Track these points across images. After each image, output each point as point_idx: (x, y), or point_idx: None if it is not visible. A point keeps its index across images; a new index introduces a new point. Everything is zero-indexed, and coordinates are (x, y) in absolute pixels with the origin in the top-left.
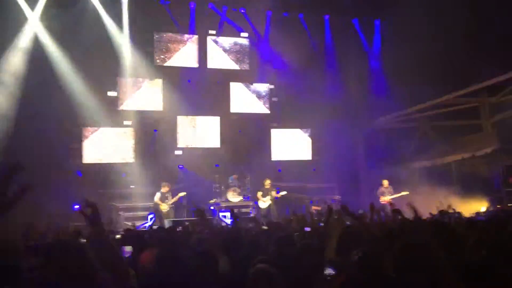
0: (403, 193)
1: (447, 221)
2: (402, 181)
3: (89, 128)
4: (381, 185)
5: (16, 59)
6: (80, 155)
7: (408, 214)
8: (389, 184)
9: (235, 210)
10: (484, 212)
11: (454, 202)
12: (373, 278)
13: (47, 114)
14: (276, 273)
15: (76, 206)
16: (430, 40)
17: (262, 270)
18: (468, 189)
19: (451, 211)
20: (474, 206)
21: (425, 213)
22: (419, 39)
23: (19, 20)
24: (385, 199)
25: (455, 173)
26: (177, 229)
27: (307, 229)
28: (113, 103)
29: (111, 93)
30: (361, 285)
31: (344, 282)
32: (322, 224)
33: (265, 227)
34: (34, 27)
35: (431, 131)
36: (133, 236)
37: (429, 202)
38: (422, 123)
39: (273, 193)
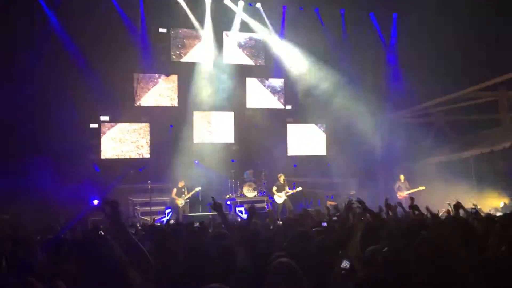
0: (420, 188)
1: (465, 217)
2: (418, 176)
3: (106, 123)
4: (398, 179)
5: (34, 56)
6: (98, 151)
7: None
8: (405, 179)
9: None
10: (502, 208)
11: (472, 197)
12: (394, 276)
13: (65, 110)
14: (297, 266)
15: (95, 201)
16: (447, 34)
17: (283, 263)
18: (487, 184)
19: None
20: (493, 202)
21: (441, 209)
22: (437, 33)
23: (39, 17)
24: (402, 194)
25: (473, 168)
26: (194, 225)
27: (324, 224)
28: (130, 99)
29: (127, 89)
30: (381, 283)
31: (364, 281)
32: (335, 218)
33: (280, 222)
34: (52, 24)
35: (447, 125)
36: (153, 230)
37: (446, 198)
38: (439, 118)
39: (287, 188)
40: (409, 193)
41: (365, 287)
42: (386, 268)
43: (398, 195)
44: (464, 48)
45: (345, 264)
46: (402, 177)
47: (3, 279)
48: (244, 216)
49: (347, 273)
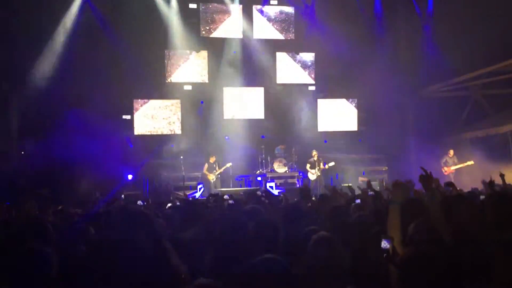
0: (468, 163)
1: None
2: (455, 152)
3: (139, 100)
4: (446, 154)
5: (67, 34)
6: (131, 127)
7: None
8: (454, 154)
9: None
10: None
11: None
12: (433, 249)
13: (98, 87)
14: (337, 241)
15: (130, 176)
16: (486, 3)
17: (324, 237)
18: None
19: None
20: None
21: (478, 185)
22: (475, 2)
23: None
24: (448, 169)
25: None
26: (229, 200)
27: (358, 201)
28: (161, 75)
29: (158, 66)
30: (422, 257)
31: (406, 257)
32: (372, 193)
33: (313, 198)
34: (83, 1)
35: (484, 99)
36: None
37: (483, 173)
38: (475, 92)
39: (321, 164)
40: (456, 168)
41: (411, 264)
42: (429, 244)
43: (443, 170)
44: (503, 18)
45: (385, 244)
46: (451, 151)
47: None
48: (275, 191)
49: (388, 255)
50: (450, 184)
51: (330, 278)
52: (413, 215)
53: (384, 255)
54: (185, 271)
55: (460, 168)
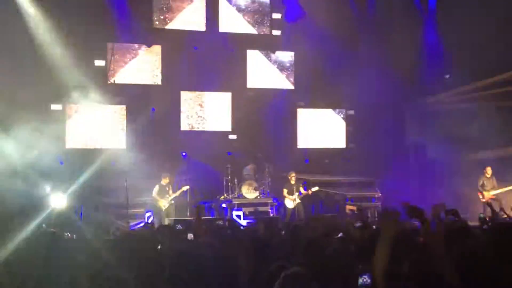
0: None
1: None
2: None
3: (72, 105)
4: (483, 174)
5: None
6: (62, 139)
7: None
8: (492, 173)
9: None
10: None
11: None
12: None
13: (24, 87)
14: (311, 278)
15: (59, 201)
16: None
17: (295, 274)
18: None
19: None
20: None
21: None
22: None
23: None
24: (488, 194)
25: None
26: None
27: (341, 235)
28: (102, 75)
29: (98, 62)
30: None
31: None
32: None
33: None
34: None
35: (496, 113)
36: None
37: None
38: (486, 104)
39: (301, 189)
40: (496, 194)
41: None
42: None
43: (480, 196)
44: None
45: (365, 280)
46: (489, 170)
47: None
48: (243, 222)
49: None
50: (453, 213)
51: None
52: (404, 250)
53: None
54: None
55: (502, 193)
